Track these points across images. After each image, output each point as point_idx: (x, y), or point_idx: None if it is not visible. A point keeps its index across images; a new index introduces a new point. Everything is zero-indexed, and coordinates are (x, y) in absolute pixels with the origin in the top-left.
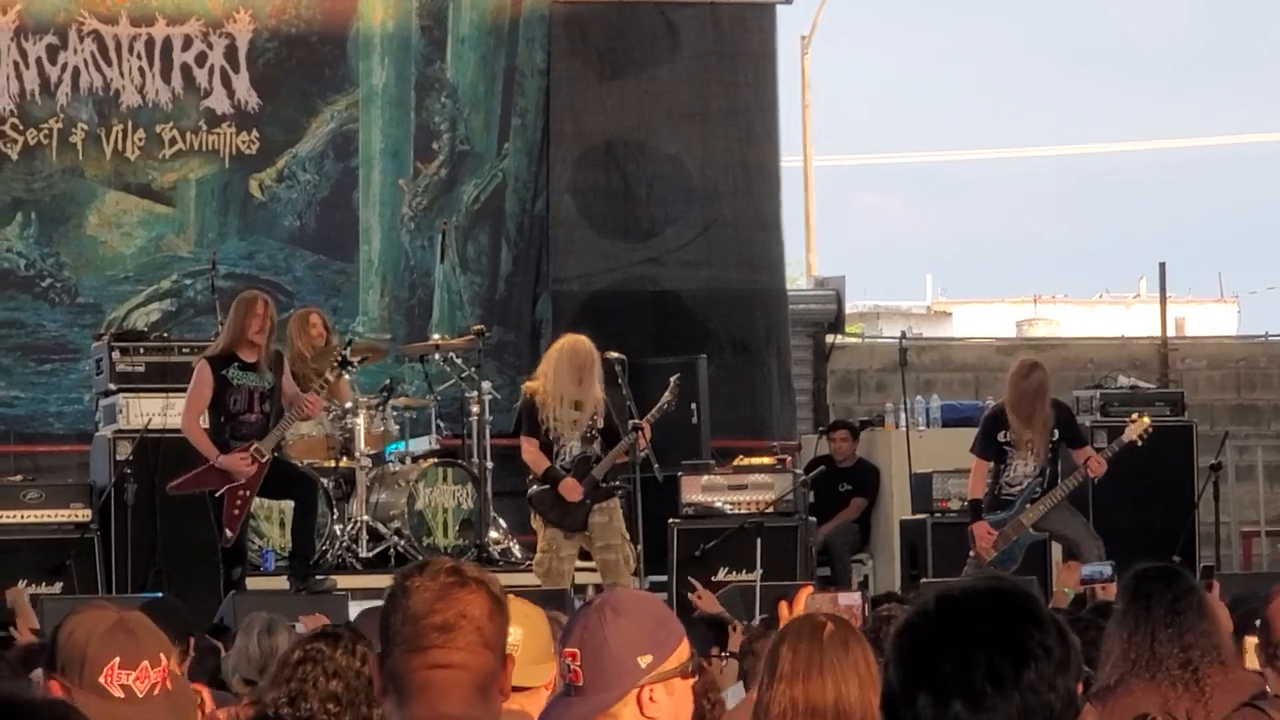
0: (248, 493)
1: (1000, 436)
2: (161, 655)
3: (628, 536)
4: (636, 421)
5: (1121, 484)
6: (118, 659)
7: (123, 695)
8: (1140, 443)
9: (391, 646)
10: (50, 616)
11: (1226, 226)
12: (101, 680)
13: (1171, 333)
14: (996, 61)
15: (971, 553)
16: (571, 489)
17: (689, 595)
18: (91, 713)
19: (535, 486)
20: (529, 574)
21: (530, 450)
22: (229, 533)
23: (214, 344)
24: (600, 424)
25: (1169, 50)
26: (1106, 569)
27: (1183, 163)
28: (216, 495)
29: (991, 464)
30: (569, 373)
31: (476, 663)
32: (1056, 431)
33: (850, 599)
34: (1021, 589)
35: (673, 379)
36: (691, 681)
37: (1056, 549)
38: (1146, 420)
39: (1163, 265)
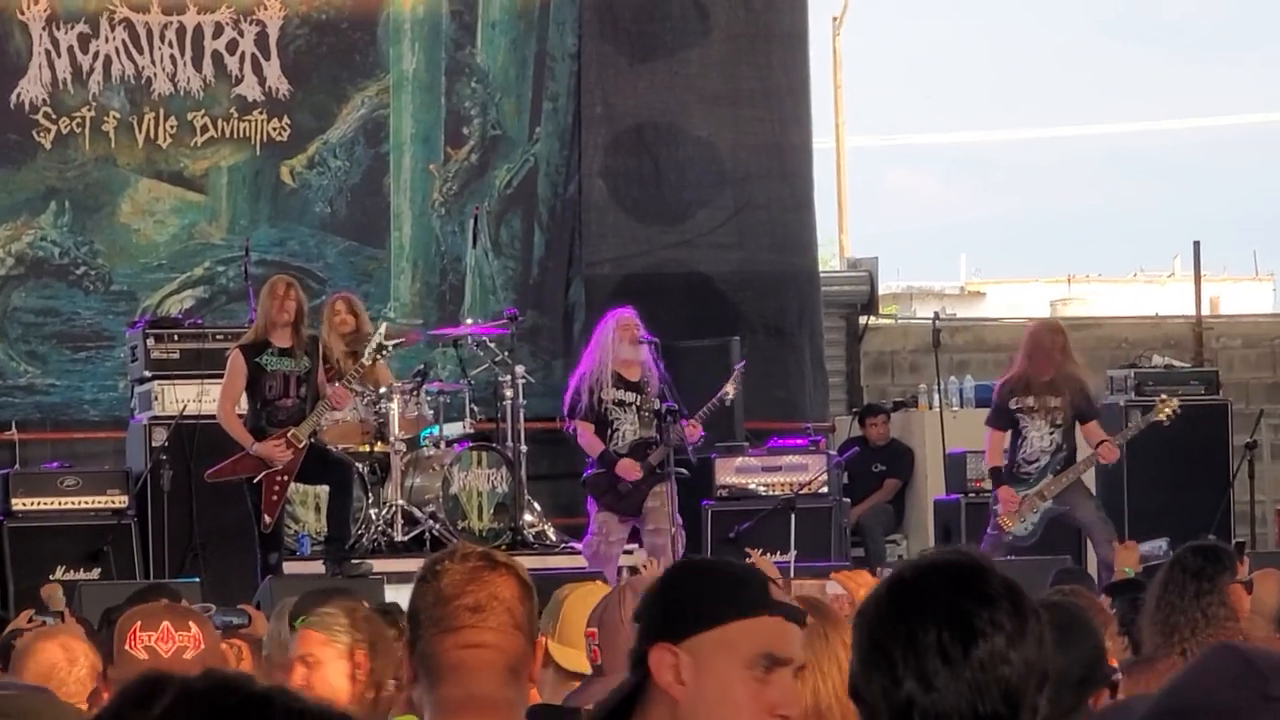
0: (286, 478)
1: (1012, 404)
2: (191, 623)
3: (679, 521)
4: (681, 412)
5: (1157, 463)
6: (139, 623)
7: (146, 656)
8: (1167, 423)
9: (421, 629)
10: (88, 603)
11: (1262, 204)
12: (127, 648)
13: (1206, 311)
14: (1029, 39)
15: (989, 526)
16: (629, 468)
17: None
18: (123, 678)
19: (591, 471)
20: (564, 557)
21: (585, 434)
22: (268, 518)
23: (248, 332)
24: (656, 405)
25: (1205, 26)
26: (1163, 545)
27: (1217, 140)
28: (254, 481)
29: (1008, 434)
30: (614, 341)
31: (509, 644)
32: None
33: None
34: (972, 562)
35: (736, 368)
36: None
37: None
38: (1174, 402)
39: (1197, 244)
